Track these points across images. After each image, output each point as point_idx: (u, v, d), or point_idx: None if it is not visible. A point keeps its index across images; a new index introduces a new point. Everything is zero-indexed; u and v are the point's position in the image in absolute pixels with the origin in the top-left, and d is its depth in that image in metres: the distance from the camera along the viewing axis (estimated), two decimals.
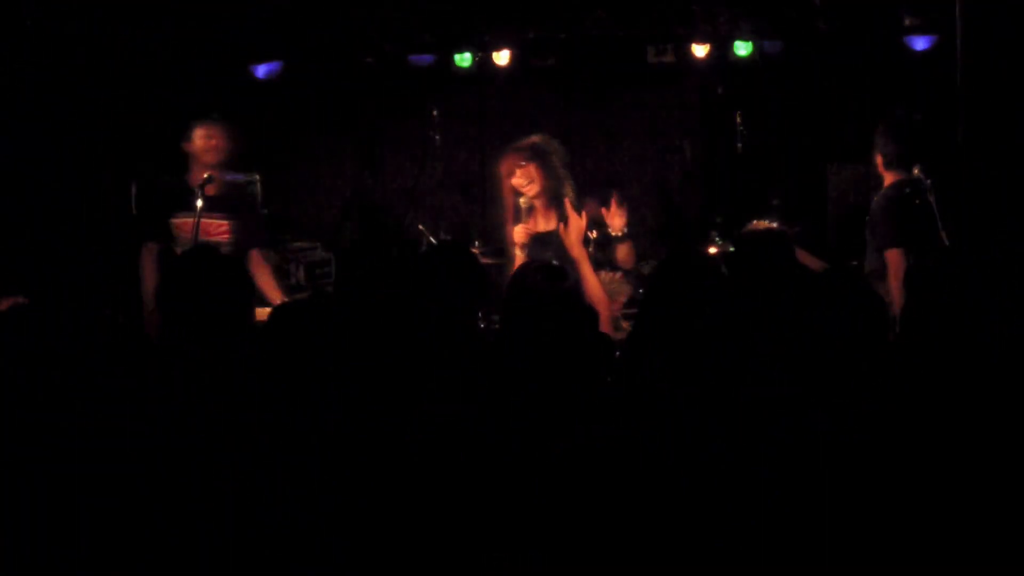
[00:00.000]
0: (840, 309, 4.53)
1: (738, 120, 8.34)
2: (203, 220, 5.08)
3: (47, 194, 6.05)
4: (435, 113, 8.39)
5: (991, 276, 4.65)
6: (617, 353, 4.94)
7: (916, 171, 5.34)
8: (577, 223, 4.95)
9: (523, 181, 5.07)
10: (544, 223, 5.10)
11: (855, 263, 6.32)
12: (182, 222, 5.15)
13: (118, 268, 5.90)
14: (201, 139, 5.33)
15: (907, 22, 6.53)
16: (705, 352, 4.61)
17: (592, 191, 6.08)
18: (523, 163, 5.14)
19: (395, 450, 3.92)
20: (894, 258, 5.58)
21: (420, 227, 6.49)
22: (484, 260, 5.28)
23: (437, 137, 8.35)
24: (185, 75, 6.80)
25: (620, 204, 5.61)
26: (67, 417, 4.07)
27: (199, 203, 4.98)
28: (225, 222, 5.29)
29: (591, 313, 4.13)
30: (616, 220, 5.55)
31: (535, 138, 5.25)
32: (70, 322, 5.10)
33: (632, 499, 3.38)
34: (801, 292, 4.64)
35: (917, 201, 5.37)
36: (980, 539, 3.09)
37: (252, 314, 4.24)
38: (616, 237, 5.57)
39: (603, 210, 5.64)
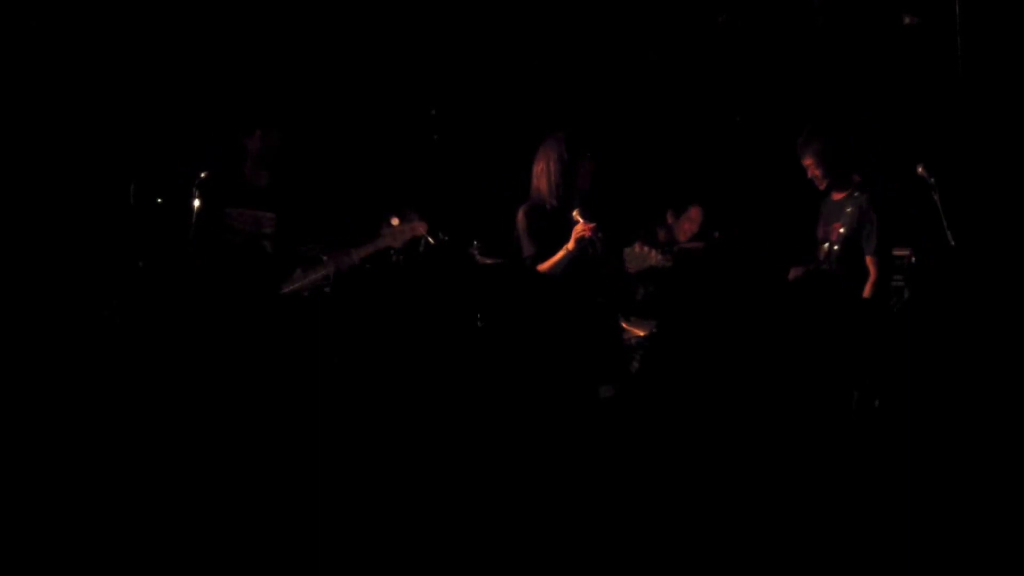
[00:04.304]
0: (838, 309, 4.54)
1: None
2: (256, 213, 5.27)
3: (47, 194, 6.06)
4: (433, 112, 8.40)
5: (991, 276, 4.66)
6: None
7: (920, 169, 5.30)
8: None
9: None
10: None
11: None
12: (238, 212, 5.31)
13: (118, 268, 5.90)
14: (260, 139, 5.49)
15: (906, 20, 6.51)
16: (707, 352, 4.62)
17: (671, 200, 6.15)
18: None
19: (396, 450, 3.93)
20: None
21: None
22: (483, 261, 5.27)
23: (435, 137, 8.37)
24: (185, 76, 6.81)
25: (694, 217, 5.73)
26: (67, 417, 4.07)
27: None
28: (272, 215, 5.47)
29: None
30: (685, 228, 5.70)
31: (560, 133, 5.13)
32: (70, 322, 5.11)
33: (632, 499, 3.38)
34: (799, 292, 4.65)
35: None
36: (980, 538, 3.10)
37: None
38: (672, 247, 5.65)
39: (671, 216, 5.75)
